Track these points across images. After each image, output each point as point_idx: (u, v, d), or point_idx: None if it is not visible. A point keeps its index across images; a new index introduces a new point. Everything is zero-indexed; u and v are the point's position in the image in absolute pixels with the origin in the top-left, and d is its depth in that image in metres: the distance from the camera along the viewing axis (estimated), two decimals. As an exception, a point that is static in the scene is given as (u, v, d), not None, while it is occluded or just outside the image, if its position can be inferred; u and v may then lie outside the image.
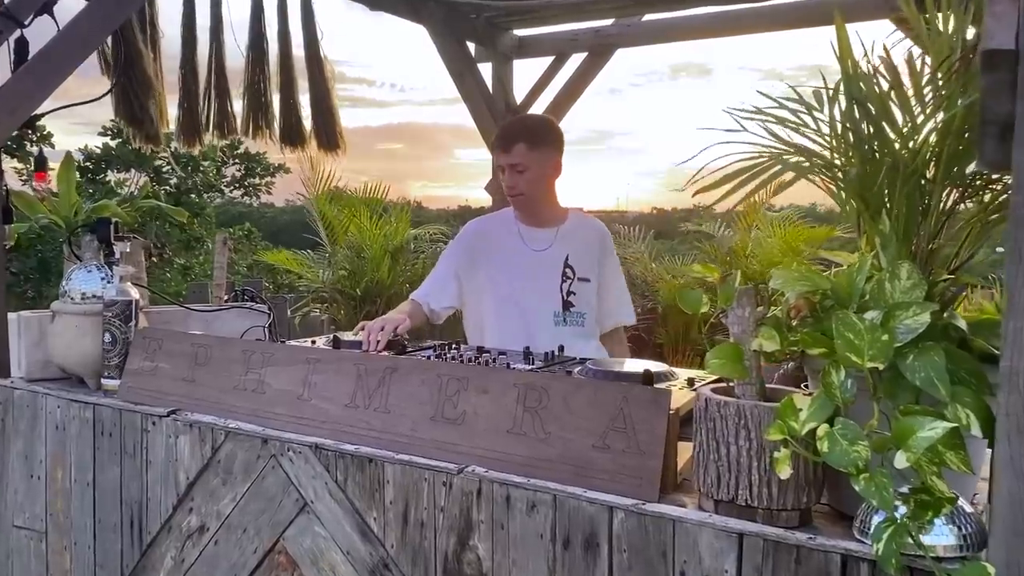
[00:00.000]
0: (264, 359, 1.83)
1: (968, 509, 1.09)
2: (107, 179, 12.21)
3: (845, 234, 5.63)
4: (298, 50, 3.67)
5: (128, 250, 2.11)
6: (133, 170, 11.52)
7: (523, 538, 1.40)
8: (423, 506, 1.51)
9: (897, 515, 1.06)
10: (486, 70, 4.84)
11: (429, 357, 1.97)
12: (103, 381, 2.06)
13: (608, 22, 4.51)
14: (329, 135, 3.67)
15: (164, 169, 12.65)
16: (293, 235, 5.78)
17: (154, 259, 11.30)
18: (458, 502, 1.47)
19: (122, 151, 11.45)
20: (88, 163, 12.29)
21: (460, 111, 4.89)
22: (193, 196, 12.30)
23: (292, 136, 3.59)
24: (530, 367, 1.91)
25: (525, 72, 5.00)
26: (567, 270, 2.55)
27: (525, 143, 2.48)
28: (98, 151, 12.17)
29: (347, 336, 2.23)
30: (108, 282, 2.11)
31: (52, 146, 11.64)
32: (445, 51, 4.51)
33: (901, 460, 1.01)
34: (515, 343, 2.16)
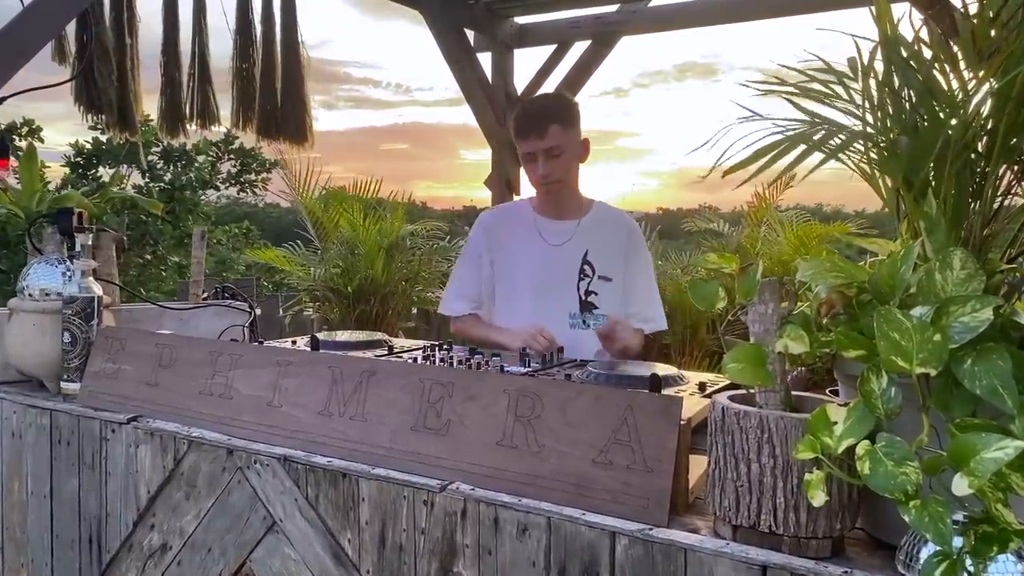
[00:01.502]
0: (232, 361, 1.67)
1: (1036, 541, 0.92)
2: (99, 175, 12.03)
3: (860, 231, 5.43)
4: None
5: (90, 242, 1.94)
6: (125, 166, 11.33)
7: (513, 566, 1.23)
8: (401, 527, 1.34)
9: (953, 548, 0.89)
10: (485, 60, 4.68)
11: (416, 359, 1.81)
12: (63, 384, 1.90)
13: (612, 8, 4.34)
14: (298, 126, 3.47)
15: (158, 165, 12.44)
16: (299, 235, 5.63)
17: (149, 257, 11.14)
18: (440, 523, 1.30)
19: (112, 146, 11.28)
20: (79, 158, 12.09)
21: (466, 111, 4.73)
22: (187, 192, 12.08)
23: (270, 127, 3.41)
24: (526, 370, 1.75)
25: (526, 62, 4.84)
26: (585, 267, 2.34)
27: (559, 124, 2.26)
28: (89, 146, 11.99)
29: (340, 336, 2.07)
30: (69, 277, 1.95)
31: (42, 140, 11.47)
32: (442, 40, 4.35)
33: (962, 486, 0.84)
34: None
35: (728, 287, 1.19)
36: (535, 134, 2.25)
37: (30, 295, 1.96)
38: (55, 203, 2.09)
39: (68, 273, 1.96)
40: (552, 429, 1.27)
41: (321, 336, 2.03)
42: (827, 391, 1.40)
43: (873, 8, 1.14)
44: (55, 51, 2.71)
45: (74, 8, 2.39)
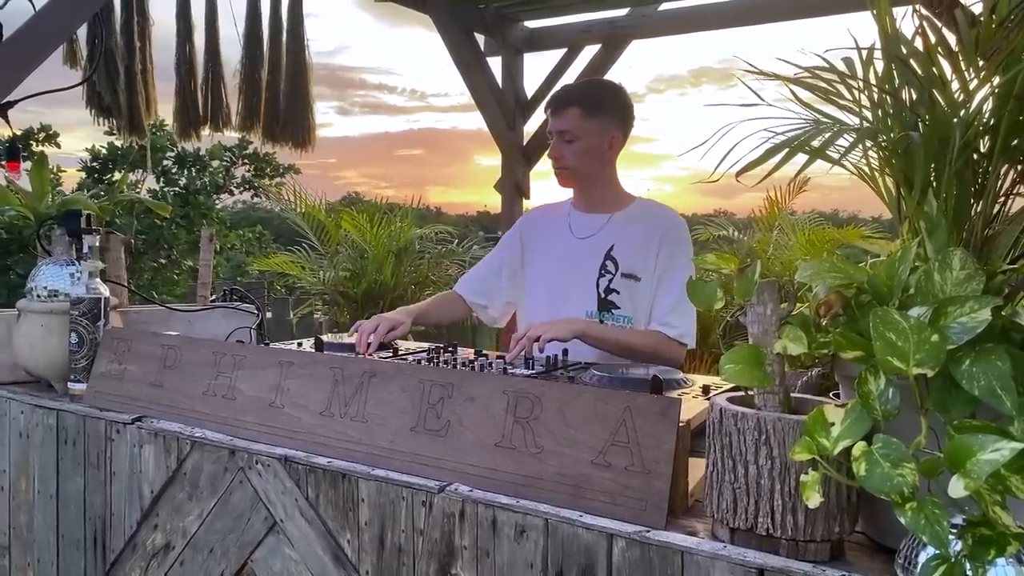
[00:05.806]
0: (235, 362, 1.67)
1: (1037, 545, 0.91)
2: (114, 179, 12.13)
3: (874, 235, 5.39)
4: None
5: (97, 244, 1.96)
6: (140, 170, 11.43)
7: (511, 568, 1.23)
8: (400, 528, 1.34)
9: (951, 551, 0.88)
10: (495, 64, 4.69)
11: (419, 361, 1.80)
12: (70, 385, 1.91)
13: (622, 12, 4.34)
14: (300, 129, 3.46)
15: (172, 170, 12.52)
16: (309, 240, 5.69)
17: (163, 260, 11.23)
18: (439, 525, 1.30)
19: (128, 151, 11.38)
20: (95, 163, 12.20)
21: (480, 117, 4.72)
22: (201, 197, 12.16)
23: (274, 130, 3.42)
24: (529, 372, 1.75)
25: (535, 66, 4.85)
26: (607, 262, 2.19)
27: (580, 108, 2.16)
28: (105, 151, 12.10)
29: (346, 338, 2.07)
30: (77, 278, 1.96)
31: (58, 146, 11.58)
32: (452, 44, 4.35)
33: (958, 488, 0.83)
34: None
35: (728, 288, 1.18)
36: (553, 112, 2.21)
37: (38, 296, 1.98)
38: (63, 205, 2.11)
39: (76, 274, 1.97)
40: (551, 430, 1.26)
41: (327, 338, 2.04)
42: (830, 394, 1.39)
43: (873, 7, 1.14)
44: (67, 55, 2.74)
45: (85, 12, 2.42)
